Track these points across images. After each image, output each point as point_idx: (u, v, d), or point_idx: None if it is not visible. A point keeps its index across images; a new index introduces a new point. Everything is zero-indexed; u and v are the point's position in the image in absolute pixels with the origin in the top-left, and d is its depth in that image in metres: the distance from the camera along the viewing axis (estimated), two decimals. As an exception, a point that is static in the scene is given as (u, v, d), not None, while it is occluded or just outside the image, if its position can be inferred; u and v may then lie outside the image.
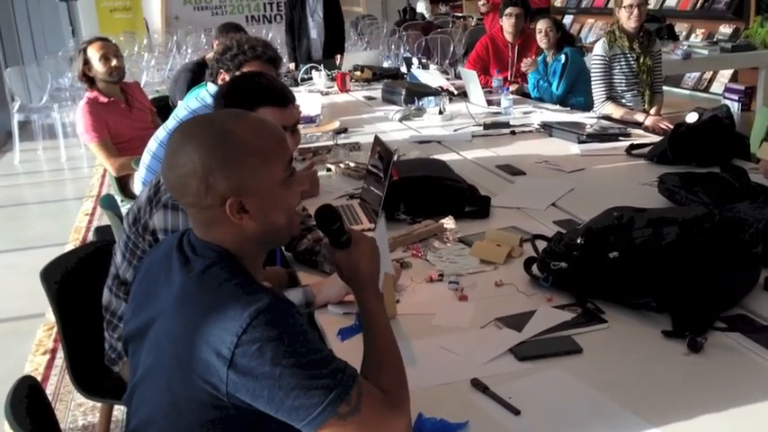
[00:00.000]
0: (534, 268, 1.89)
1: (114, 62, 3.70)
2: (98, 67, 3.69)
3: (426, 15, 13.36)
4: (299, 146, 2.71)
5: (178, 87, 4.30)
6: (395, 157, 2.41)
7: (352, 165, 3.06)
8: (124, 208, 3.52)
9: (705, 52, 6.30)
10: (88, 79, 3.73)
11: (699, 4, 8.13)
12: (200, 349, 1.10)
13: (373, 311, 1.33)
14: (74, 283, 2.09)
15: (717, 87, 7.77)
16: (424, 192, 2.42)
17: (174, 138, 1.22)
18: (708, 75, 7.92)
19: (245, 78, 2.04)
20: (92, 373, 2.06)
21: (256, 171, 1.19)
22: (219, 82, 2.59)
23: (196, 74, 4.23)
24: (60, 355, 3.27)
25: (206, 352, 1.10)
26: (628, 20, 3.88)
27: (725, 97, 7.40)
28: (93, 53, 3.69)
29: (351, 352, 1.33)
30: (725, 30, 7.87)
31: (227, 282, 1.15)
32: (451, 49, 8.69)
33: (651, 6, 8.45)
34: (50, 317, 3.54)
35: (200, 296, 1.15)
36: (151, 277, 1.29)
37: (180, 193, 1.20)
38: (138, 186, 2.91)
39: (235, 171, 1.18)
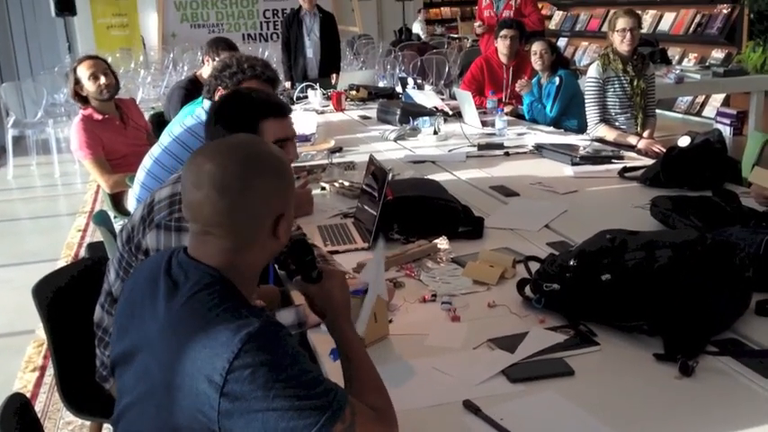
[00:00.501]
0: (527, 290, 1.89)
1: (103, 80, 3.70)
2: (88, 86, 3.69)
3: (422, 36, 13.46)
4: (294, 164, 2.71)
5: (172, 105, 4.31)
6: (389, 177, 2.42)
7: (346, 184, 3.07)
8: (117, 225, 3.51)
9: (697, 76, 6.36)
10: (81, 98, 3.74)
11: (692, 29, 8.22)
12: (190, 376, 1.10)
13: (349, 338, 1.36)
14: (65, 299, 2.08)
15: (709, 111, 7.84)
16: (417, 212, 2.42)
17: (223, 162, 1.21)
18: (700, 99, 7.98)
19: (243, 94, 2.04)
20: (81, 391, 2.05)
21: (290, 192, 1.27)
22: (216, 98, 2.59)
23: (189, 91, 4.24)
24: (49, 372, 3.25)
25: (197, 379, 1.09)
26: (621, 43, 3.92)
27: (717, 121, 7.46)
28: (83, 72, 3.70)
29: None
30: (717, 54, 7.95)
31: (217, 306, 1.15)
32: (446, 69, 8.74)
33: (644, 30, 8.52)
34: (40, 333, 3.52)
35: (189, 322, 1.14)
36: (135, 300, 1.28)
37: (231, 217, 1.20)
38: (132, 203, 2.91)
39: (283, 191, 1.25)
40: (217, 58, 4.22)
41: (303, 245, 1.39)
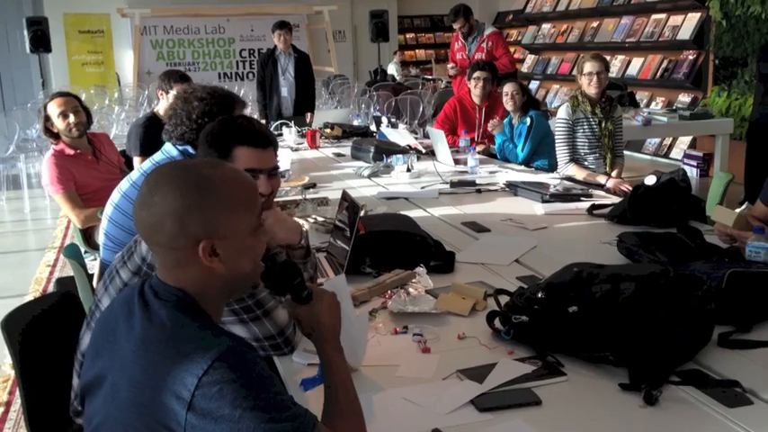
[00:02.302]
0: (496, 322, 1.91)
1: (73, 118, 3.70)
2: (58, 123, 3.70)
3: (397, 77, 13.65)
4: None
5: (131, 143, 4.30)
6: (362, 212, 2.45)
7: (320, 219, 3.09)
8: (88, 260, 3.49)
9: (664, 119, 6.52)
10: (52, 134, 3.74)
11: (659, 74, 8.45)
12: (159, 393, 1.10)
13: (335, 364, 1.36)
14: (35, 332, 2.05)
15: (676, 153, 8.02)
16: (389, 246, 2.45)
17: (150, 179, 1.24)
18: (668, 141, 8.17)
19: (232, 118, 2.08)
20: (50, 426, 2.01)
21: (231, 217, 1.23)
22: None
23: (147, 128, 4.22)
24: (14, 408, 3.20)
25: (166, 395, 1.10)
26: (588, 86, 4.02)
27: (684, 163, 7.62)
28: (53, 109, 3.70)
29: (313, 402, 1.34)
30: (684, 98, 8.18)
31: (189, 326, 1.16)
32: (421, 109, 8.85)
33: (613, 75, 8.76)
34: (6, 369, 3.46)
35: (161, 340, 1.15)
36: (110, 326, 1.28)
37: (152, 232, 1.22)
38: (101, 238, 2.89)
39: (211, 215, 1.21)
40: (171, 91, 4.24)
41: (290, 268, 1.39)
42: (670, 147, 8.15)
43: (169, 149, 2.70)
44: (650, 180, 3.10)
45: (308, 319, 1.40)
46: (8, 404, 3.26)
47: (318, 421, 1.18)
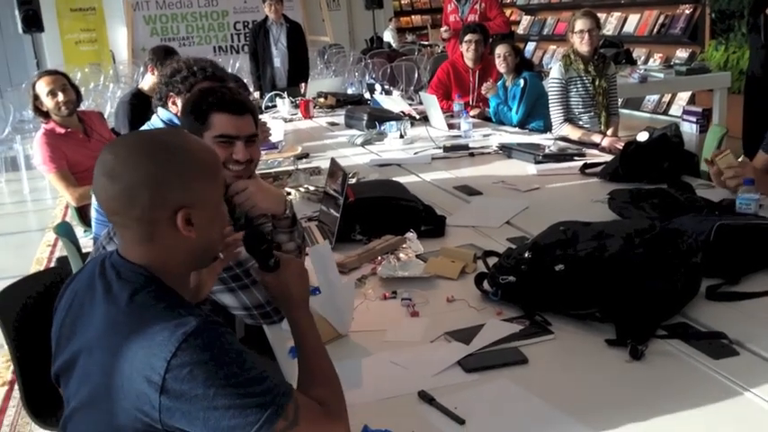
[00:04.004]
0: (485, 283, 1.92)
1: (61, 97, 3.67)
2: (47, 102, 3.68)
3: (393, 44, 13.53)
4: (260, 171, 2.69)
5: (119, 120, 4.28)
6: (353, 180, 2.44)
7: (311, 188, 3.09)
8: (87, 238, 3.49)
9: (661, 76, 6.45)
10: (42, 113, 3.73)
11: (656, 30, 8.35)
12: (130, 377, 1.10)
13: (305, 331, 1.36)
14: (30, 311, 2.06)
15: (675, 110, 7.95)
16: (379, 212, 2.44)
17: (116, 150, 1.21)
18: (667, 98, 8.10)
19: (204, 88, 2.07)
20: (48, 404, 2.03)
21: (206, 185, 1.22)
22: (170, 105, 2.57)
23: (134, 105, 4.20)
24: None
25: (136, 380, 1.09)
26: (580, 44, 3.98)
27: (683, 119, 7.56)
28: (42, 88, 3.68)
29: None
30: (681, 54, 8.08)
31: (154, 306, 1.14)
32: (416, 75, 8.79)
33: (610, 32, 8.67)
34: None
35: (127, 323, 1.14)
36: (76, 308, 1.25)
37: (124, 204, 1.18)
38: (93, 213, 2.89)
39: (189, 183, 1.19)
40: (161, 67, 4.20)
41: (257, 235, 1.39)
42: (669, 103, 8.08)
43: (154, 122, 2.69)
44: (642, 136, 3.08)
45: (276, 287, 1.39)
46: (12, 383, 3.29)
47: (294, 390, 1.17)
